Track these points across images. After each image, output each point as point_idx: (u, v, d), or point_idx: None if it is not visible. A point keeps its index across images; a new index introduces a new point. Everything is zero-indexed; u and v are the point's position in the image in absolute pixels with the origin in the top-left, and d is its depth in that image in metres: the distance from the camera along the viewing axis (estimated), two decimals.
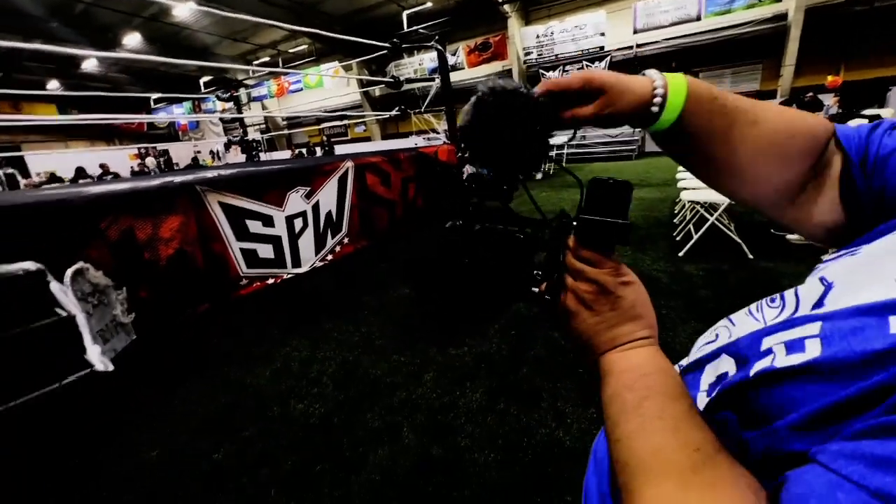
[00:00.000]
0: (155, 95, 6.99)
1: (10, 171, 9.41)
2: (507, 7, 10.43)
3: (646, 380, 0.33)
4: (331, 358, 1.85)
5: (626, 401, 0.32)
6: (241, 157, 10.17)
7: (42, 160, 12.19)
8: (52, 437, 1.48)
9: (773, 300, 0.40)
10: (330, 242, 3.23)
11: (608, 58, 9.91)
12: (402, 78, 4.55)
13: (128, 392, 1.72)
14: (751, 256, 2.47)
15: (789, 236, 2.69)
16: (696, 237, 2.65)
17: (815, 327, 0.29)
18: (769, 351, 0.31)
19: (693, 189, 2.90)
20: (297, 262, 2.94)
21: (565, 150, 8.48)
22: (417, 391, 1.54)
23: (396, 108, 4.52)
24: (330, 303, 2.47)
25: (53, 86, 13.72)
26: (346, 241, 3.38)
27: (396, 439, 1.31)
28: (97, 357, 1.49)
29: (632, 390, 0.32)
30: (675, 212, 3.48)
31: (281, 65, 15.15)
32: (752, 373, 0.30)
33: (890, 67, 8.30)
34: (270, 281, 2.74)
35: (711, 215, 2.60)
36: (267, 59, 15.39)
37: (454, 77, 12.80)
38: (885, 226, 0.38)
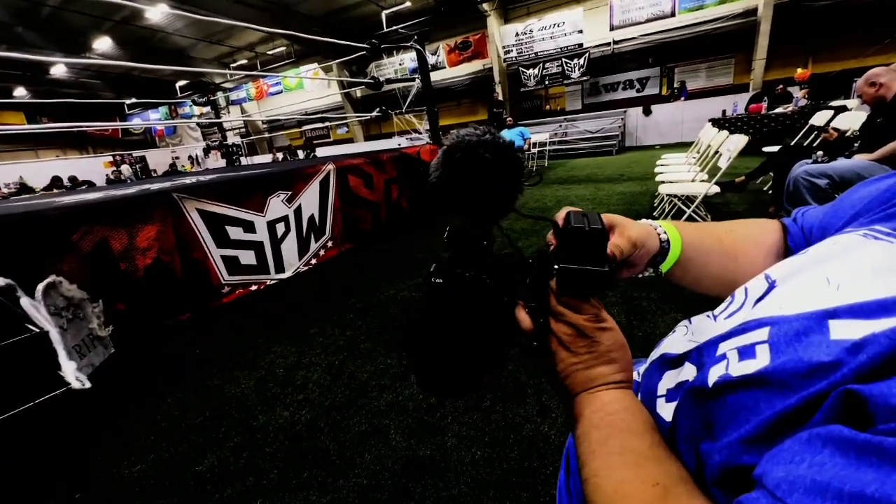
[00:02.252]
0: (129, 101, 6.81)
1: None
2: (485, 6, 10.46)
3: (611, 418, 0.34)
4: (316, 363, 1.83)
5: (592, 439, 0.34)
6: (222, 162, 9.97)
7: (11, 170, 11.75)
8: (28, 457, 1.44)
9: (731, 297, 0.42)
10: (314, 246, 3.20)
11: (587, 54, 10.03)
12: (382, 79, 4.52)
13: (109, 406, 1.68)
14: None
15: None
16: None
17: (763, 333, 0.31)
18: (724, 356, 0.32)
19: (670, 182, 2.97)
20: (280, 268, 2.91)
21: (548, 147, 8.56)
22: (404, 392, 1.54)
23: (377, 110, 4.50)
24: (315, 307, 2.45)
25: (20, 93, 13.23)
26: (330, 244, 3.36)
27: (384, 442, 1.32)
28: (73, 374, 1.45)
29: (598, 428, 0.34)
30: (655, 205, 3.55)
31: (259, 67, 14.91)
32: (710, 382, 0.32)
33: (854, 60, 8.61)
34: (253, 287, 2.70)
35: (689, 207, 2.67)
36: (245, 61, 15.13)
37: (436, 76, 12.80)
38: (823, 235, 0.43)
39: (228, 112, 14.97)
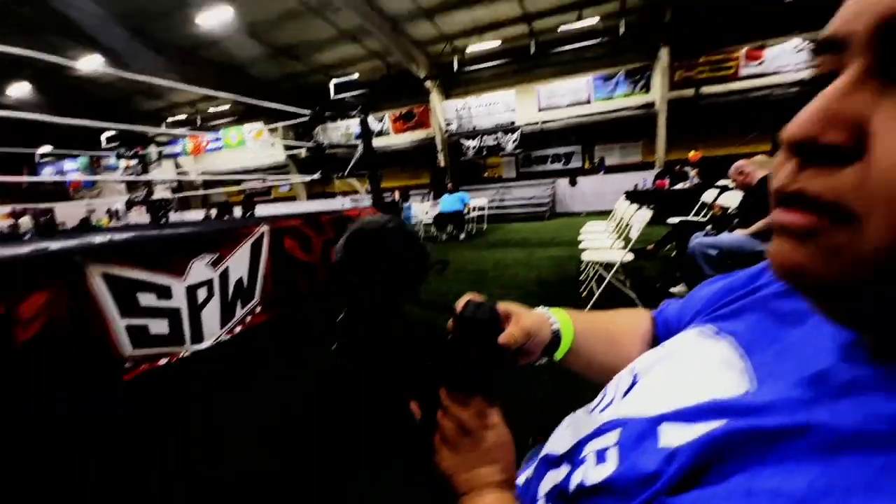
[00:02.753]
0: (42, 150, 6.24)
1: None
2: (428, 83, 11.42)
3: None
4: (227, 456, 1.63)
5: None
6: (147, 217, 9.25)
7: None
8: None
9: (603, 392, 0.45)
10: (239, 312, 2.98)
11: (519, 130, 11.15)
12: (327, 141, 4.64)
13: None
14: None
15: (672, 289, 3.08)
16: (597, 294, 2.92)
17: (615, 435, 0.33)
18: (584, 459, 0.34)
19: (592, 249, 3.24)
20: (198, 337, 2.64)
21: (486, 212, 9.07)
22: (348, 485, 1.40)
23: (319, 172, 4.55)
24: (237, 381, 2.23)
25: None
26: (258, 309, 3.15)
27: None
28: None
29: None
30: (581, 269, 3.83)
31: (199, 123, 14.65)
32: (570, 488, 0.33)
33: (733, 147, 10.43)
34: (163, 361, 2.41)
35: (608, 273, 2.91)
36: (184, 116, 14.83)
37: (382, 141, 13.35)
38: (678, 327, 0.48)
39: (160, 165, 14.27)
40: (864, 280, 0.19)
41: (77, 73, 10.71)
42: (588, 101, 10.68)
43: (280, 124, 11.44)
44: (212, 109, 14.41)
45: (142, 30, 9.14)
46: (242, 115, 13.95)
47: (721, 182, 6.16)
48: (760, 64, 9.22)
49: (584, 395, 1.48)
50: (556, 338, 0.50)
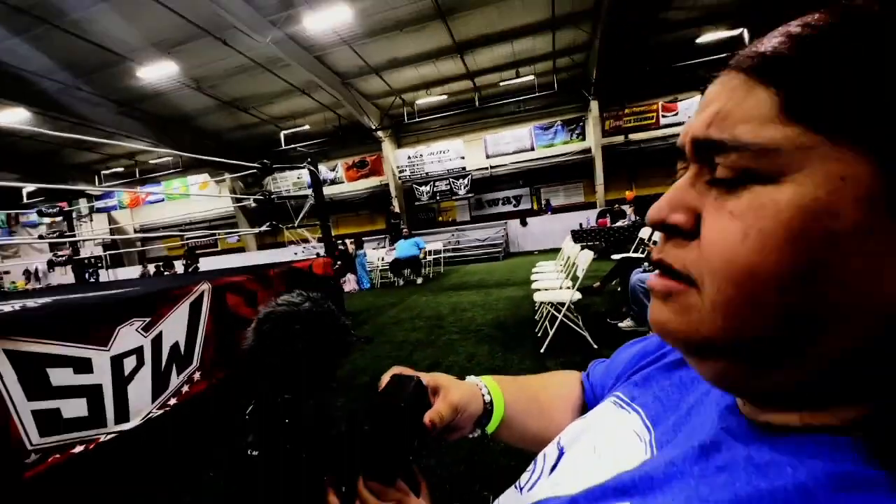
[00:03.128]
0: None
1: None
2: (380, 133, 11.78)
3: None
4: None
5: None
6: (72, 277, 8.40)
7: None
8: None
9: (530, 467, 0.45)
10: (175, 382, 2.71)
11: (469, 176, 11.64)
12: (278, 191, 4.56)
13: None
14: (595, 346, 2.85)
15: (620, 324, 3.21)
16: (551, 333, 2.98)
17: None
18: None
19: (543, 290, 3.34)
20: (123, 416, 2.35)
21: (442, 255, 9.17)
22: None
23: (267, 224, 4.43)
24: (167, 467, 1.98)
25: None
26: (197, 376, 2.88)
27: None
28: None
29: None
30: (536, 307, 3.91)
31: (138, 175, 13.94)
32: None
33: (662, 186, 11.51)
34: (78, 449, 2.11)
35: (560, 312, 2.99)
36: (121, 169, 14.07)
37: (335, 189, 13.28)
38: (602, 392, 0.50)
39: (91, 220, 13.25)
40: (710, 335, 0.23)
41: None
42: (532, 148, 11.47)
43: (228, 176, 11.19)
44: (152, 161, 13.82)
45: (79, 82, 8.78)
46: (187, 165, 13.50)
47: None
48: (675, 115, 10.47)
49: (498, 482, 1.45)
50: (488, 409, 0.49)
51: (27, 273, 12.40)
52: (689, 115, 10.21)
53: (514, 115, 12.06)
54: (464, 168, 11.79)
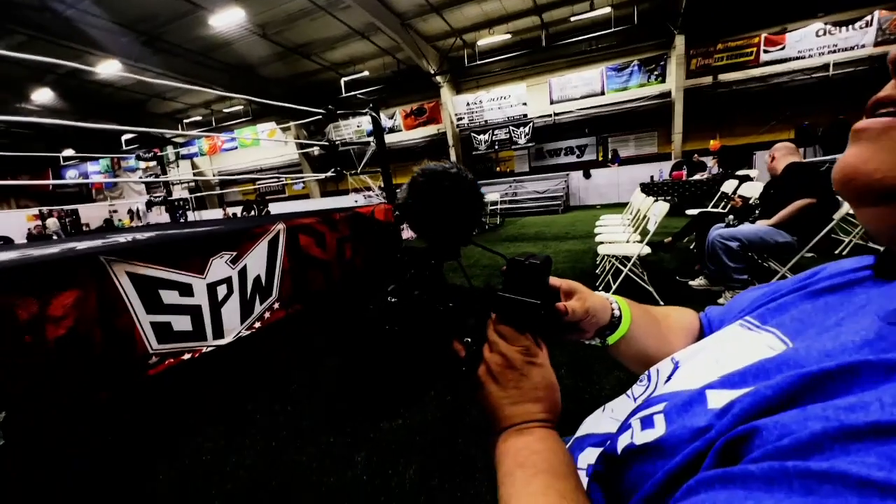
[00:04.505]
0: (65, 153, 6.44)
1: None
2: (439, 78, 11.38)
3: (536, 457, 0.35)
4: (251, 445, 1.67)
5: (516, 478, 0.34)
6: (166, 217, 9.47)
7: None
8: None
9: (641, 379, 0.46)
10: (258, 309, 3.03)
11: (531, 124, 11.03)
12: (340, 139, 4.67)
13: None
14: (661, 303, 2.72)
15: (691, 282, 3.02)
16: (614, 287, 2.88)
17: (661, 406, 0.34)
18: (629, 426, 0.35)
19: (608, 243, 3.20)
20: (219, 333, 2.70)
21: (499, 206, 9.02)
22: (347, 475, 1.42)
23: (332, 170, 4.58)
24: (255, 378, 2.28)
25: None
26: (276, 306, 3.20)
27: None
28: None
29: (523, 467, 0.35)
30: (597, 262, 3.78)
31: (214, 123, 14.89)
32: (619, 450, 0.34)
33: (752, 136, 10.14)
34: (187, 356, 2.48)
35: (625, 266, 2.86)
36: (199, 117, 15.08)
37: (393, 138, 13.36)
38: (720, 325, 0.50)
39: (178, 166, 14.56)
40: None
41: (96, 78, 10.98)
42: (602, 93, 10.49)
43: (292, 123, 11.60)
44: (226, 110, 14.63)
45: (156, 34, 9.30)
46: (256, 114, 14.13)
47: (742, 171, 6.00)
48: (781, 49, 8.91)
49: (599, 390, 1.48)
50: (613, 323, 0.51)
51: (131, 212, 14.16)
52: (801, 48, 8.67)
53: (585, 56, 10.99)
54: (525, 115, 11.16)
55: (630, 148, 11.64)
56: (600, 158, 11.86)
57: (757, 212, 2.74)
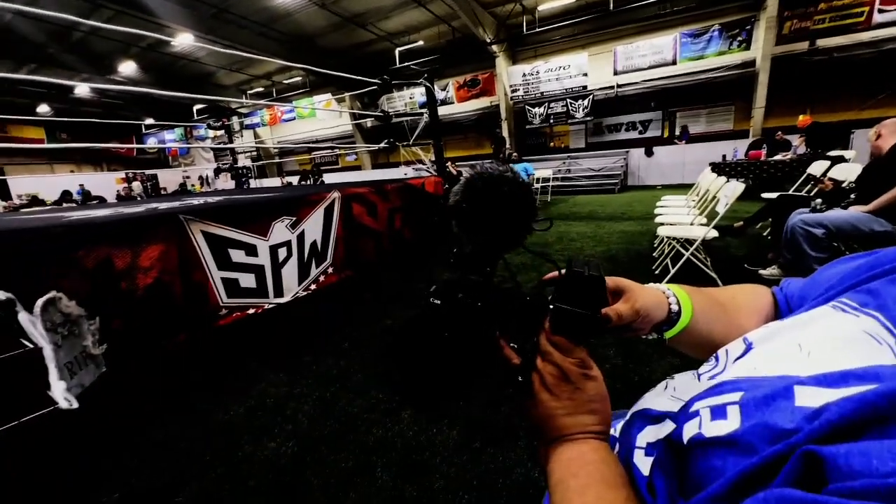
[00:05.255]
0: (147, 122, 7.04)
1: None
2: (495, 47, 10.96)
3: (589, 468, 0.35)
4: (308, 393, 1.81)
5: (569, 487, 0.34)
6: (231, 184, 10.17)
7: (25, 183, 12.02)
8: (10, 477, 1.40)
9: (714, 357, 0.43)
10: (314, 272, 3.21)
11: (591, 96, 10.39)
12: (392, 111, 4.69)
13: (95, 427, 1.65)
14: None
15: (762, 271, 2.78)
16: (672, 271, 2.72)
17: (736, 395, 0.32)
18: (696, 413, 0.33)
19: (670, 224, 3.00)
20: (279, 292, 2.91)
21: (551, 183, 8.71)
22: (394, 429, 1.51)
23: (385, 141, 4.63)
24: (311, 334, 2.44)
25: (44, 109, 13.74)
26: (330, 270, 3.37)
27: (370, 480, 1.28)
28: (61, 394, 1.44)
29: (576, 477, 0.35)
30: (655, 245, 3.58)
31: (275, 94, 15.49)
32: (685, 439, 0.33)
33: (852, 112, 8.86)
34: (251, 311, 2.70)
35: (687, 250, 2.68)
36: (261, 88, 15.74)
37: (444, 111, 13.20)
38: (801, 304, 0.46)
39: (242, 136, 15.44)
40: None
41: (172, 51, 11.74)
42: (673, 62, 9.59)
43: (347, 94, 11.79)
44: (285, 81, 15.14)
45: (224, 6, 9.69)
46: (313, 85, 14.50)
47: (834, 152, 5.31)
48: None
49: (650, 372, 1.43)
50: (671, 318, 0.48)
51: (201, 178, 15.33)
52: None
53: (657, 20, 10.02)
54: (584, 87, 10.51)
55: (701, 124, 10.65)
56: (666, 135, 10.99)
57: (851, 196, 2.43)
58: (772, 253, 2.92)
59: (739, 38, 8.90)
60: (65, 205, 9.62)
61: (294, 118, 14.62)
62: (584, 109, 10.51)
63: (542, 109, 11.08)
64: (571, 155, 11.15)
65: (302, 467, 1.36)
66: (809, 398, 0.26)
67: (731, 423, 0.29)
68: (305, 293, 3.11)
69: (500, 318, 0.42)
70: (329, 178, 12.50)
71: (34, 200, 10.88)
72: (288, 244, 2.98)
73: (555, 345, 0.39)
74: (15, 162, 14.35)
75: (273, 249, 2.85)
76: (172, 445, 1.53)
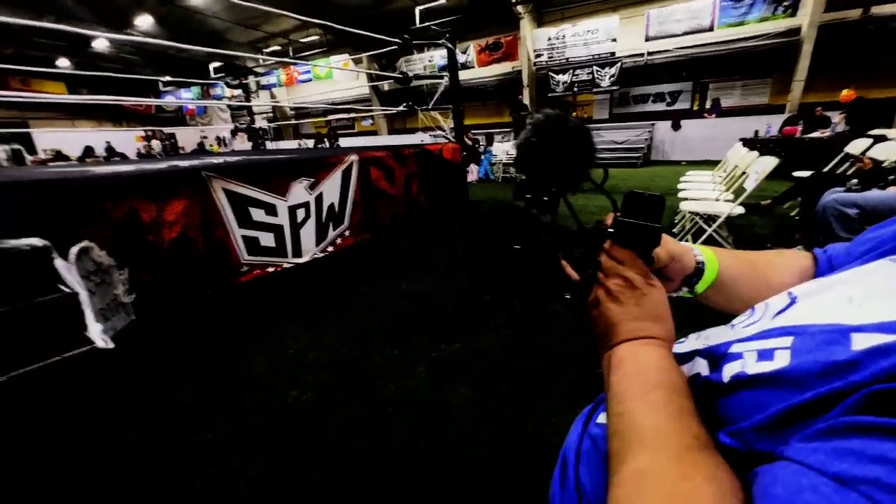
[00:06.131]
0: (164, 79, 6.99)
1: (16, 146, 9.44)
2: (520, 8, 10.41)
3: (658, 372, 0.36)
4: (326, 348, 1.88)
5: (635, 384, 0.35)
6: (248, 145, 10.17)
7: (49, 138, 12.22)
8: (48, 409, 1.51)
9: (751, 310, 0.44)
10: (331, 234, 3.25)
11: (619, 64, 9.90)
12: (411, 74, 4.56)
13: (125, 370, 1.75)
14: None
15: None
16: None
17: (786, 340, 0.32)
18: (739, 355, 0.34)
19: (693, 200, 2.92)
20: (297, 252, 2.96)
21: None
22: (409, 384, 1.57)
23: (404, 105, 4.54)
24: (329, 294, 2.50)
25: (63, 63, 13.73)
26: (347, 233, 3.41)
27: (386, 430, 1.34)
28: (98, 334, 1.52)
29: (644, 377, 0.36)
30: (675, 221, 3.50)
31: (291, 54, 15.13)
32: (725, 378, 0.33)
33: None
34: (271, 269, 2.76)
35: (710, 227, 2.62)
36: (278, 47, 15.36)
37: (464, 75, 12.77)
38: (846, 262, 0.46)
39: (258, 96, 15.26)
40: None
41: (186, 4, 11.46)
42: (710, 28, 8.99)
43: (365, 55, 11.43)
44: (302, 40, 14.73)
45: None
46: (331, 45, 14.10)
47: (876, 131, 5.01)
48: None
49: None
50: (698, 269, 0.49)
51: (218, 139, 15.34)
52: None
53: None
54: (613, 54, 9.98)
55: (734, 97, 10.10)
56: (695, 108, 10.48)
57: (892, 177, 2.31)
58: (798, 234, 2.84)
59: (785, 3, 8.25)
60: (88, 160, 9.80)
61: (310, 79, 14.33)
62: (610, 78, 10.04)
63: (566, 77, 10.62)
64: (594, 126, 10.77)
65: (321, 414, 1.43)
66: (867, 342, 0.26)
67: (777, 363, 0.30)
68: (322, 254, 3.16)
69: (561, 245, 0.46)
70: (345, 143, 12.38)
71: (59, 155, 11.10)
72: (306, 205, 3.00)
73: (618, 259, 0.41)
74: (38, 116, 14.54)
75: (292, 210, 2.88)
76: (200, 389, 1.62)
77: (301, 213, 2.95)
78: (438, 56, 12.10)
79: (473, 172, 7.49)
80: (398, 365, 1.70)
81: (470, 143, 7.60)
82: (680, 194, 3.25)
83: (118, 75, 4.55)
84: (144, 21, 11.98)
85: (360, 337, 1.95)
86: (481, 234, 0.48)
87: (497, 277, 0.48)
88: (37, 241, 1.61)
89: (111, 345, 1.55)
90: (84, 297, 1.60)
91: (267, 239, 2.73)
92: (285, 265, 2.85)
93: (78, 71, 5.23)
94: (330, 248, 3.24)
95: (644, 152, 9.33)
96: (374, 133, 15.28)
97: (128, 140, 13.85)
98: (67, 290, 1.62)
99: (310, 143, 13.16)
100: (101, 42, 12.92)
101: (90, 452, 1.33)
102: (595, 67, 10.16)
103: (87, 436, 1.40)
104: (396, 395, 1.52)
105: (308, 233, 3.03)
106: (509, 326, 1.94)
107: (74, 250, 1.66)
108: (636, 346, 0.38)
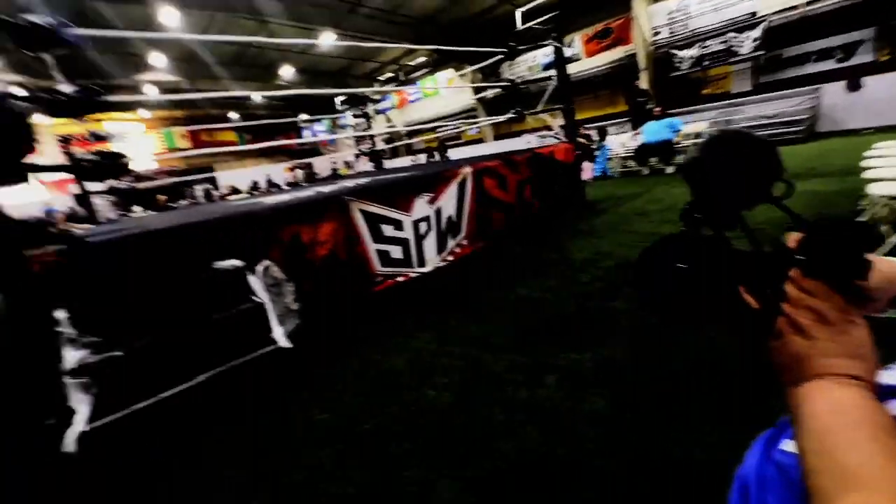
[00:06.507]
0: (303, 117, 8.29)
1: (208, 186, 12.20)
2: None
3: (861, 410, 0.33)
4: (456, 351, 2.00)
5: (836, 421, 0.33)
6: (369, 165, 11.35)
7: (225, 175, 15.44)
8: (243, 398, 1.91)
9: None
10: (450, 244, 3.45)
11: (762, 24, 8.35)
12: (516, 77, 4.57)
13: (296, 367, 2.12)
14: None
15: None
16: (891, 242, 2.11)
17: None
18: None
19: (889, 180, 2.31)
20: (422, 262, 3.21)
21: (702, 139, 7.42)
22: (539, 392, 1.58)
23: (512, 111, 4.56)
24: (451, 300, 2.66)
25: (234, 116, 17.26)
26: (465, 242, 3.57)
27: (522, 434, 1.38)
28: (281, 336, 1.88)
29: (845, 414, 0.33)
30: (859, 208, 2.81)
31: (402, 77, 16.46)
32: None
33: None
34: (400, 279, 3.05)
35: None
36: (390, 73, 16.89)
37: (570, 69, 12.22)
38: None
39: (375, 120, 16.94)
40: None
41: (316, 52, 13.39)
42: None
43: (469, 69, 11.81)
44: (411, 63, 15.91)
45: (355, 1, 10.54)
46: (437, 63, 14.94)
47: None
48: None
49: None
50: None
51: (346, 163, 17.45)
52: None
53: None
54: (753, 14, 8.47)
55: None
56: (881, 59, 8.21)
57: None
58: None
59: None
60: (254, 192, 12.11)
61: (420, 98, 15.37)
62: (753, 42, 8.51)
63: (692, 51, 9.37)
64: (733, 102, 9.26)
65: (459, 415, 1.54)
66: None
67: None
68: (443, 263, 3.36)
69: (738, 269, 0.42)
70: (454, 153, 12.91)
71: (234, 190, 13.96)
72: (427, 218, 3.24)
73: (808, 292, 0.38)
74: (218, 160, 18.58)
75: (415, 224, 3.14)
76: (357, 385, 1.87)
77: (423, 227, 3.19)
78: (541, 55, 11.83)
79: (588, 170, 7.10)
80: (526, 371, 1.72)
81: (583, 140, 7.23)
82: (866, 173, 2.60)
83: (269, 121, 5.55)
84: (287, 71, 14.36)
85: (485, 343, 2.03)
86: (653, 255, 0.48)
87: (667, 298, 0.47)
88: (236, 262, 2.07)
89: (290, 344, 1.91)
90: (269, 305, 2.00)
91: (396, 251, 3.02)
92: (412, 275, 3.11)
93: (241, 123, 6.52)
94: (450, 257, 3.42)
95: (808, 124, 7.66)
96: (480, 141, 15.62)
97: (278, 171, 16.72)
98: (258, 300, 2.04)
99: (422, 157, 14.08)
100: (256, 96, 15.90)
101: (301, 421, 1.65)
102: (731, 34, 8.75)
103: (280, 417, 1.74)
104: (529, 401, 1.54)
105: (430, 244, 3.26)
106: (638, 333, 1.80)
107: (260, 268, 2.08)
108: (832, 382, 0.35)
